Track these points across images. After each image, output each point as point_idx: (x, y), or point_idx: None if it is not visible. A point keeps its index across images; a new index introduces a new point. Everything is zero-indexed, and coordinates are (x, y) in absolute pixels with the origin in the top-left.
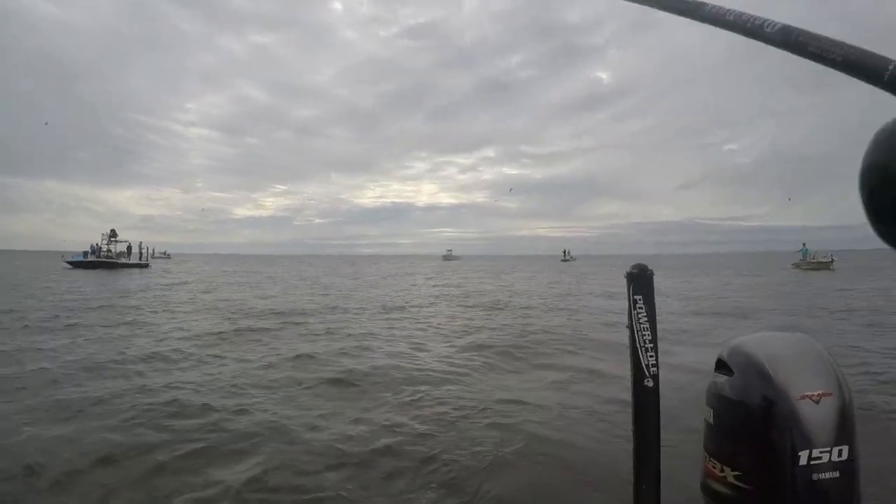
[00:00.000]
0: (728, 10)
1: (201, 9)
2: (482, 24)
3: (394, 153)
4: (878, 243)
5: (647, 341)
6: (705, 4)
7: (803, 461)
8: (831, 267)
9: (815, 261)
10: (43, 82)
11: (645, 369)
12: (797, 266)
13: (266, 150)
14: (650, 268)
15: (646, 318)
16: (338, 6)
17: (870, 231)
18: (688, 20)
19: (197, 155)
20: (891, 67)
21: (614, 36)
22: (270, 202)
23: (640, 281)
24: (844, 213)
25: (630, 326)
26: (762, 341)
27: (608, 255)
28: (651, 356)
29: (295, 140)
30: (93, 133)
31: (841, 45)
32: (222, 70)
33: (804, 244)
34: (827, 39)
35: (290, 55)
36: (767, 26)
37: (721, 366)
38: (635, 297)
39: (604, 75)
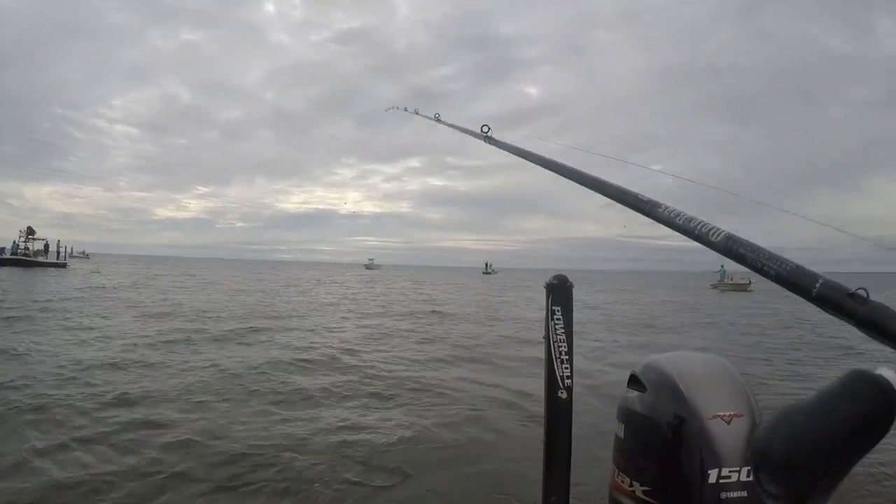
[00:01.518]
0: (679, 214)
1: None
2: (415, 32)
3: (322, 158)
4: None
5: (563, 353)
6: (660, 205)
7: (712, 479)
8: (748, 289)
9: (732, 282)
10: None
11: (559, 381)
12: (715, 287)
13: (191, 150)
14: (570, 280)
15: (563, 330)
16: (270, 8)
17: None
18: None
19: (121, 153)
20: (818, 285)
21: (547, 53)
22: (193, 204)
23: (559, 292)
24: (763, 237)
25: (546, 337)
26: (676, 360)
27: (531, 269)
28: (566, 368)
29: (221, 141)
30: (18, 125)
31: (776, 259)
32: (150, 66)
33: (722, 266)
34: (763, 252)
35: (220, 54)
36: (713, 234)
37: (634, 382)
38: (553, 307)
39: (533, 91)
